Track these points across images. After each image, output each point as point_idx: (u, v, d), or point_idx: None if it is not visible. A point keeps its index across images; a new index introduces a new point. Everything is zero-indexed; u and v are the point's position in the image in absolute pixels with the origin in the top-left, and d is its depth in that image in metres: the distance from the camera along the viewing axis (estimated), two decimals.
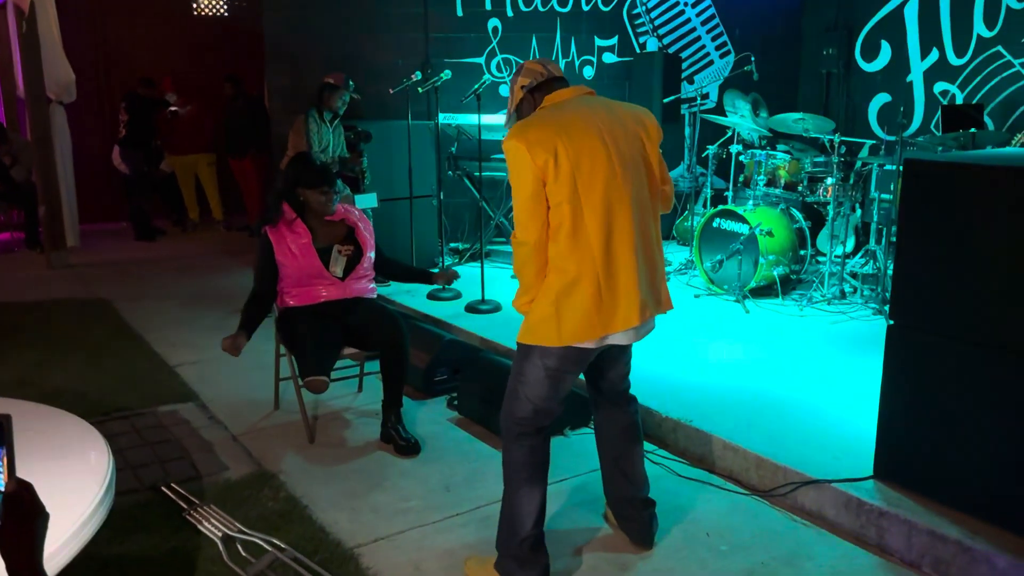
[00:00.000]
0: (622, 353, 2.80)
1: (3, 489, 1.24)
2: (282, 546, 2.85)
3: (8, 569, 1.22)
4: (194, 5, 9.59)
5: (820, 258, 5.89)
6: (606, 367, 2.80)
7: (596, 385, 2.88)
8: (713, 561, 2.85)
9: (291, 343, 3.70)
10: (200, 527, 3.00)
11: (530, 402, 2.60)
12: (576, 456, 3.63)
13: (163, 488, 3.28)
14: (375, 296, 3.94)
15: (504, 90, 7.30)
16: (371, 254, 3.85)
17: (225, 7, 9.69)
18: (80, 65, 7.54)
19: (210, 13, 9.61)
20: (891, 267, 4.42)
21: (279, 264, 3.68)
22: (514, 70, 2.73)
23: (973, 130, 5.13)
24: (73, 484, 2.01)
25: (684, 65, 7.59)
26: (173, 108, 8.51)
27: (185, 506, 3.15)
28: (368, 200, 5.68)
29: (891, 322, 2.97)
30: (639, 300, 2.53)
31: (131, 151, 8.38)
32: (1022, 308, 2.59)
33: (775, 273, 5.49)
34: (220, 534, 2.93)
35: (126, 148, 8.36)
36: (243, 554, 2.83)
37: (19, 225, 8.30)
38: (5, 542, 1.21)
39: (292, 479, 3.41)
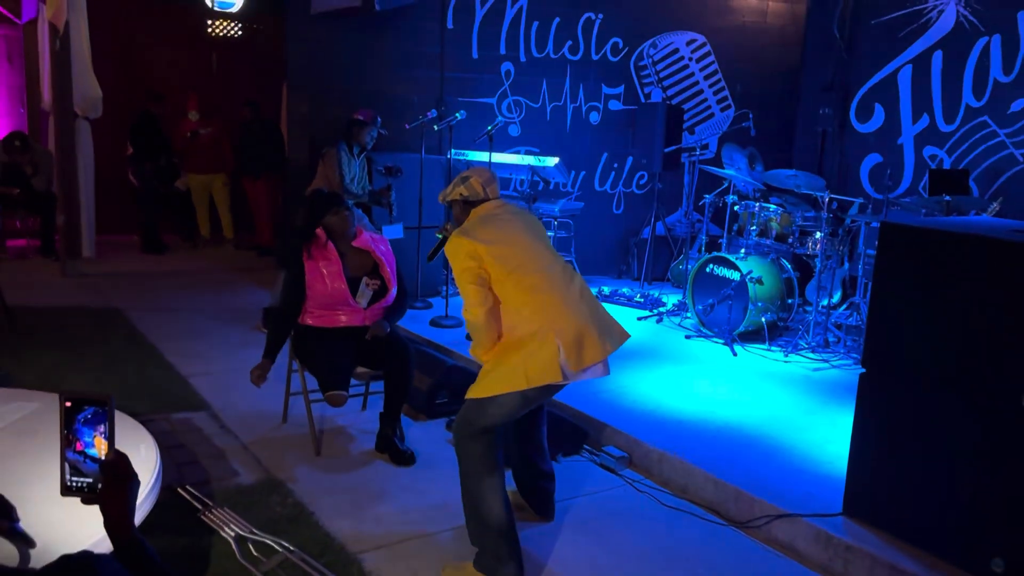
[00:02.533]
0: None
1: (104, 457, 1.48)
2: (291, 548, 3.07)
3: (106, 523, 1.46)
4: (209, 27, 9.92)
5: (807, 308, 6.15)
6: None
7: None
8: None
9: (309, 360, 3.94)
10: (214, 527, 3.21)
11: (496, 419, 2.97)
12: (567, 481, 3.84)
13: (178, 489, 3.49)
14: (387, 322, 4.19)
15: (514, 130, 7.61)
16: (394, 290, 4.11)
17: (240, 31, 10.02)
18: (105, 83, 7.83)
19: (223, 35, 9.94)
20: None
21: (308, 286, 3.94)
22: (460, 176, 3.29)
23: (947, 197, 5.42)
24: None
25: (686, 116, 7.92)
26: (197, 130, 8.79)
27: (199, 507, 3.36)
28: (395, 231, 5.99)
29: (863, 370, 3.22)
30: (598, 339, 2.98)
31: (139, 166, 8.64)
32: (980, 363, 2.84)
33: (763, 319, 5.75)
34: (233, 534, 3.14)
35: (134, 164, 8.64)
36: (255, 553, 3.04)
37: (35, 232, 8.53)
38: (105, 501, 1.46)
39: (299, 487, 3.63)
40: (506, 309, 3.01)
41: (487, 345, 3.05)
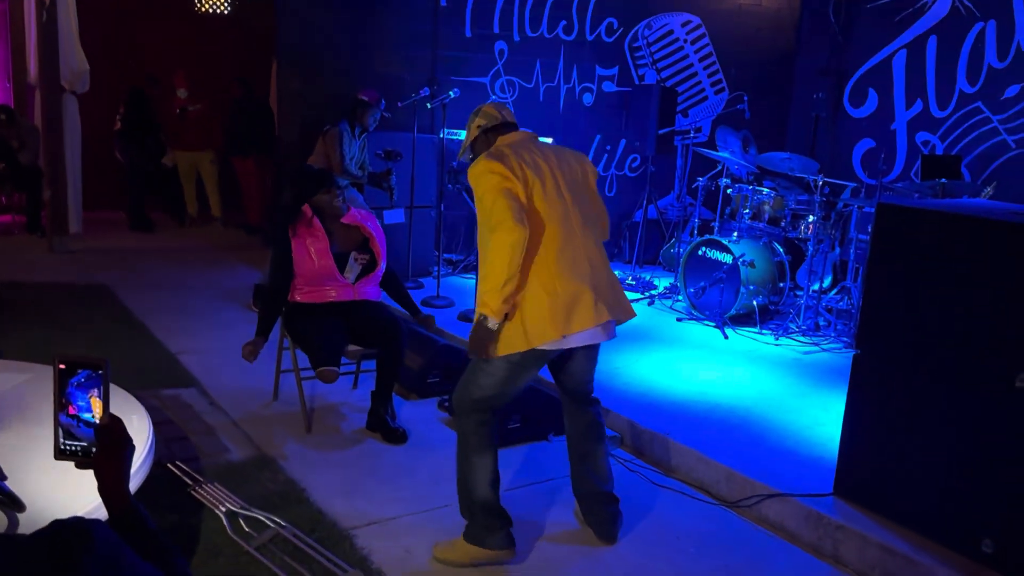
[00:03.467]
0: (585, 355, 3.06)
1: (99, 421, 1.46)
2: (282, 523, 3.06)
3: (100, 488, 1.44)
4: (197, 1, 9.80)
5: (798, 291, 6.16)
6: (571, 367, 3.07)
7: (563, 385, 3.16)
8: (681, 562, 3.08)
9: (299, 337, 3.91)
10: (204, 502, 3.19)
11: (487, 390, 2.90)
12: (558, 461, 3.84)
13: (169, 465, 3.47)
14: (378, 298, 4.16)
15: None
16: (383, 264, 4.08)
17: (228, 6, 9.90)
18: (93, 57, 7.72)
19: (211, 11, 9.82)
20: None
21: (296, 263, 3.90)
22: (472, 114, 3.08)
23: (943, 180, 5.44)
24: None
25: (680, 99, 7.89)
26: (186, 107, 8.69)
27: (190, 483, 3.34)
28: (396, 216, 5.96)
29: (857, 351, 3.23)
30: (594, 304, 2.83)
31: (127, 144, 8.56)
32: (973, 344, 2.85)
33: (754, 303, 5.76)
34: (224, 509, 3.13)
35: (122, 141, 8.54)
36: (246, 528, 3.02)
37: (21, 208, 8.44)
38: (99, 466, 1.43)
39: (290, 464, 3.62)
40: None
41: (511, 285, 2.71)
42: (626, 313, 3.03)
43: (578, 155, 3.08)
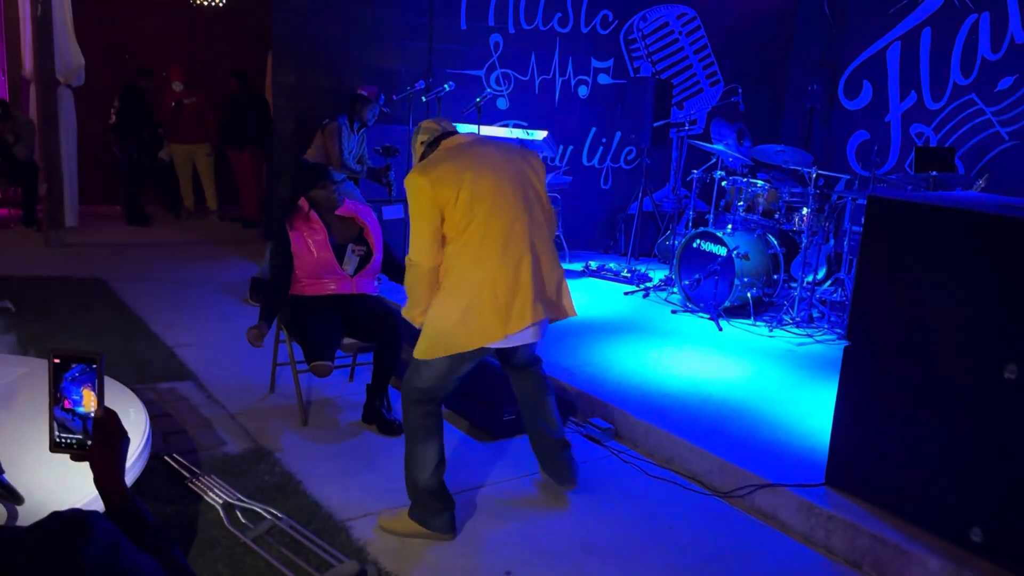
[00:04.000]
0: (524, 346, 3.21)
1: (94, 415, 1.48)
2: (279, 515, 3.08)
3: (96, 481, 1.46)
4: None
5: (792, 283, 6.19)
6: (514, 357, 3.29)
7: (508, 363, 3.35)
8: (673, 550, 3.11)
9: (295, 330, 3.93)
10: (202, 494, 3.22)
11: (429, 380, 3.05)
12: None
13: (166, 457, 3.49)
14: (377, 292, 4.19)
15: (502, 103, 7.57)
16: (379, 256, 4.11)
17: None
18: (88, 51, 7.71)
19: (206, 4, 9.79)
20: None
21: (295, 256, 3.93)
22: (416, 128, 3.19)
23: (935, 173, 5.46)
24: None
25: (675, 91, 7.90)
26: (181, 100, 8.68)
27: (187, 475, 3.36)
28: (394, 212, 5.98)
29: (846, 344, 3.25)
30: (532, 304, 2.96)
31: (123, 138, 8.55)
32: (963, 335, 2.88)
33: (748, 295, 5.79)
34: (221, 501, 3.15)
35: (117, 134, 8.54)
36: (243, 520, 3.05)
37: (17, 202, 8.44)
38: (95, 459, 1.46)
39: (287, 456, 3.64)
40: (449, 251, 2.94)
41: (423, 305, 3.00)
42: (562, 312, 3.17)
43: (524, 151, 3.18)
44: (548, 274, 3.08)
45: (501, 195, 2.95)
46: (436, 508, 3.07)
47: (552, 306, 3.10)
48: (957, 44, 6.81)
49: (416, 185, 2.89)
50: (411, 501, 3.10)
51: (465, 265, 2.92)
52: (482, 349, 2.99)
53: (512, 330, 2.95)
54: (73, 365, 1.49)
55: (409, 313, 3.07)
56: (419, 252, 2.94)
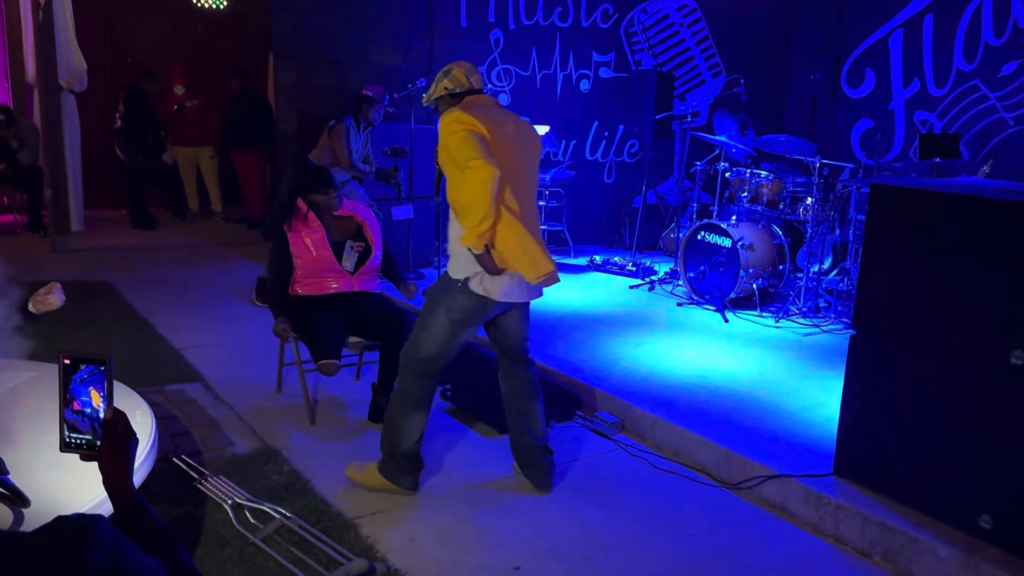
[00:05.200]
0: (519, 313, 3.33)
1: (103, 416, 1.48)
2: (288, 514, 3.09)
3: (105, 482, 1.46)
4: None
5: (798, 274, 6.17)
6: (508, 326, 3.33)
7: (500, 345, 3.40)
8: (682, 543, 3.11)
9: (301, 330, 3.94)
10: (210, 495, 3.23)
11: (430, 347, 3.18)
12: (560, 446, 3.87)
13: (174, 459, 3.50)
14: (380, 290, 4.19)
15: (504, 99, 7.56)
16: (378, 253, 4.11)
17: (226, 1, 9.88)
18: (90, 55, 7.73)
19: (207, 6, 9.81)
20: None
21: (294, 256, 3.93)
22: (442, 71, 3.24)
23: (938, 160, 5.44)
24: None
25: (677, 83, 7.87)
26: (183, 103, 8.69)
27: (195, 476, 3.37)
28: (404, 212, 5.99)
29: (854, 332, 3.24)
30: (543, 260, 3.10)
31: (127, 141, 8.57)
32: (969, 322, 2.87)
33: (754, 286, 5.77)
34: (230, 502, 3.16)
35: (122, 138, 8.56)
36: (252, 520, 3.06)
37: (22, 208, 8.46)
38: (104, 460, 1.46)
39: (295, 455, 3.65)
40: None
41: (487, 220, 2.90)
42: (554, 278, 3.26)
43: (529, 125, 3.29)
44: (542, 240, 3.25)
45: (519, 160, 3.09)
46: (408, 468, 3.30)
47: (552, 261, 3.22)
48: (960, 30, 6.77)
49: (459, 117, 2.95)
50: (384, 458, 3.29)
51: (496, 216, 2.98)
52: (481, 313, 3.13)
53: (543, 271, 3.07)
54: (82, 366, 1.49)
55: (480, 227, 2.91)
56: (476, 154, 2.86)
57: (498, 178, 2.88)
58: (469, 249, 3.00)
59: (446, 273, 3.23)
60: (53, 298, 2.95)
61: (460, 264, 3.12)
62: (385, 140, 6.49)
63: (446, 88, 3.18)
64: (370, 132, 6.21)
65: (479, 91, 3.20)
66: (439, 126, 3.05)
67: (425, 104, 3.35)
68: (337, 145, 5.97)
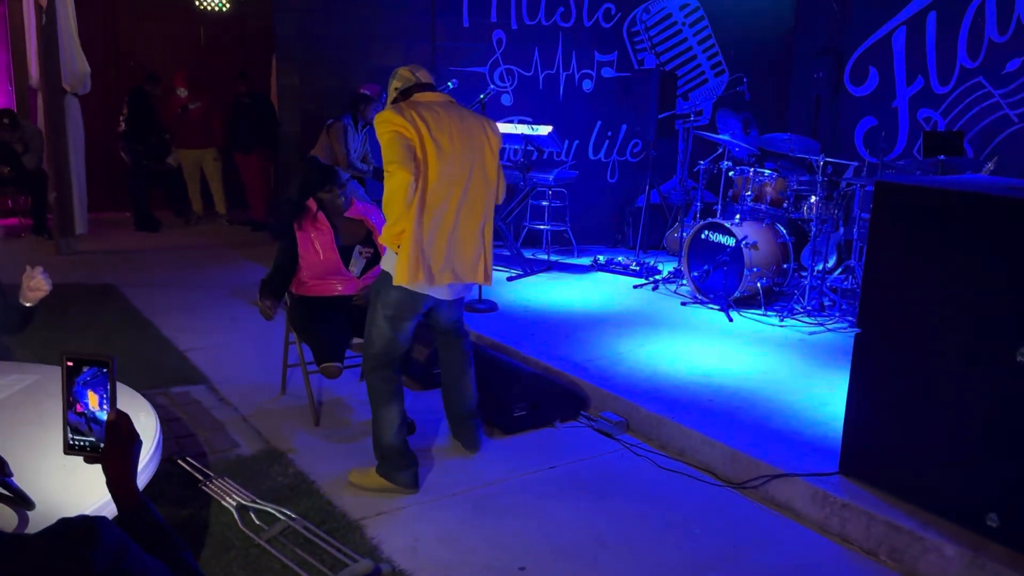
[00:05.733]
0: (448, 305, 3.53)
1: (106, 418, 1.48)
2: (293, 516, 3.09)
3: (109, 484, 1.46)
4: (197, 2, 9.80)
5: (802, 272, 6.16)
6: (438, 314, 3.55)
7: (435, 326, 3.64)
8: (687, 542, 3.10)
9: (305, 331, 3.94)
10: (215, 497, 3.23)
11: (379, 341, 3.35)
12: (565, 446, 3.88)
13: (179, 461, 3.51)
14: None
15: (506, 99, 7.57)
16: None
17: (227, 4, 9.90)
18: (93, 59, 7.75)
19: (210, 8, 9.82)
20: None
21: (300, 257, 3.94)
22: (391, 76, 3.39)
23: (942, 157, 5.42)
24: None
25: (680, 83, 7.87)
26: (186, 105, 8.71)
27: (200, 478, 3.38)
28: None
29: (859, 330, 3.23)
30: (439, 268, 3.25)
31: (131, 144, 8.59)
32: (975, 319, 2.85)
33: (758, 285, 5.76)
34: (235, 503, 3.16)
35: (126, 141, 8.58)
36: (256, 522, 3.06)
37: (27, 211, 8.48)
38: (107, 461, 1.46)
39: (300, 457, 3.65)
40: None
41: (402, 220, 3.10)
42: (467, 276, 3.39)
43: (484, 121, 3.38)
44: (472, 241, 3.35)
45: (452, 158, 3.20)
46: (401, 464, 3.36)
47: (465, 271, 3.36)
48: (963, 27, 6.75)
49: (387, 117, 3.11)
50: (378, 460, 3.39)
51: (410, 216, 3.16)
52: (412, 307, 3.29)
53: (436, 284, 3.26)
54: (85, 368, 1.49)
55: (391, 231, 3.16)
56: (399, 164, 3.04)
57: (412, 184, 3.07)
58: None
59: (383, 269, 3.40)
60: (39, 282, 2.92)
61: (389, 259, 3.29)
62: None
63: (396, 88, 3.33)
64: (368, 131, 6.22)
65: (427, 85, 3.31)
66: (375, 118, 3.20)
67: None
68: (335, 144, 5.98)
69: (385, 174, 3.11)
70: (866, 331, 3.21)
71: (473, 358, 3.75)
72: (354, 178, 6.00)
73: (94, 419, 1.50)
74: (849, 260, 6.05)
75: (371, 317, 3.38)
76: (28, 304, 2.99)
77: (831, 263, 6.16)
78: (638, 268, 6.88)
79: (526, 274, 6.65)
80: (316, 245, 3.94)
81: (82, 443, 1.51)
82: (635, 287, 6.44)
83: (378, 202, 5.75)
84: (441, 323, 3.62)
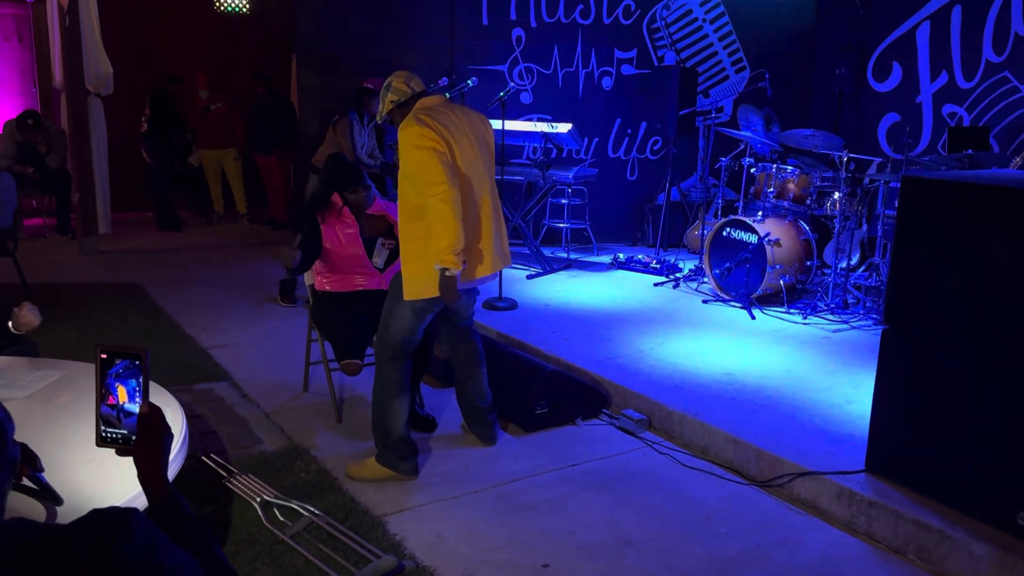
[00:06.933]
0: (468, 295, 3.57)
1: (138, 411, 1.49)
2: (316, 512, 3.10)
3: (140, 476, 1.47)
4: (217, 3, 9.86)
5: (825, 270, 6.11)
6: (459, 306, 3.53)
7: (450, 321, 3.66)
8: (711, 541, 3.08)
9: (326, 328, 3.95)
10: (239, 493, 3.25)
11: (399, 334, 3.37)
12: (586, 444, 3.87)
13: (203, 457, 3.53)
14: None
15: (525, 97, 7.55)
16: None
17: (247, 5, 9.95)
18: (114, 59, 7.81)
19: (230, 9, 9.88)
20: None
21: (325, 250, 3.96)
22: (383, 88, 3.43)
23: (970, 151, 5.35)
24: None
25: (700, 79, 7.82)
26: (208, 106, 8.76)
27: (224, 474, 3.39)
28: None
29: (885, 326, 3.20)
30: (492, 257, 3.41)
31: (153, 144, 8.66)
32: (1002, 315, 2.81)
33: (781, 282, 5.72)
34: (259, 499, 3.18)
35: (148, 141, 8.65)
36: (280, 518, 3.07)
37: (51, 211, 8.57)
38: (139, 454, 1.47)
39: (322, 453, 3.66)
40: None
41: (458, 231, 3.08)
42: (507, 262, 3.60)
43: (480, 115, 3.49)
44: (500, 226, 3.51)
45: (473, 155, 3.29)
46: (405, 454, 3.43)
47: (504, 258, 3.54)
48: (989, 21, 6.66)
49: (420, 132, 3.11)
50: (380, 449, 3.43)
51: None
52: (439, 300, 3.27)
53: (474, 278, 3.37)
54: (118, 361, 1.49)
55: (450, 251, 3.09)
56: (436, 176, 3.07)
57: (459, 197, 3.11)
58: (443, 269, 3.14)
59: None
60: (28, 318, 3.15)
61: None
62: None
63: (392, 101, 3.35)
64: (375, 126, 6.21)
65: (423, 92, 3.37)
66: (399, 137, 3.19)
67: (380, 122, 3.57)
68: (341, 139, 5.99)
69: (432, 196, 3.08)
70: (892, 327, 3.17)
71: (484, 355, 3.78)
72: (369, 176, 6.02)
73: (125, 412, 1.50)
74: (873, 257, 5.99)
75: (392, 308, 3.38)
76: (15, 331, 3.20)
77: (855, 260, 6.10)
78: (658, 266, 6.84)
79: (546, 272, 6.63)
80: (341, 238, 3.97)
81: (114, 435, 1.51)
82: (656, 285, 6.41)
83: (389, 198, 5.78)
84: (460, 316, 3.65)
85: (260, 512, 3.10)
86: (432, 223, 3.11)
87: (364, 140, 6.12)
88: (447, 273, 3.14)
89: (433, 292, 3.20)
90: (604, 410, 4.20)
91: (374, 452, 3.49)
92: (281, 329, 5.40)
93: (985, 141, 6.26)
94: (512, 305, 5.61)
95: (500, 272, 3.55)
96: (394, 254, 4.09)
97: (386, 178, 6.32)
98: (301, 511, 3.10)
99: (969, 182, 2.97)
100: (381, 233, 4.10)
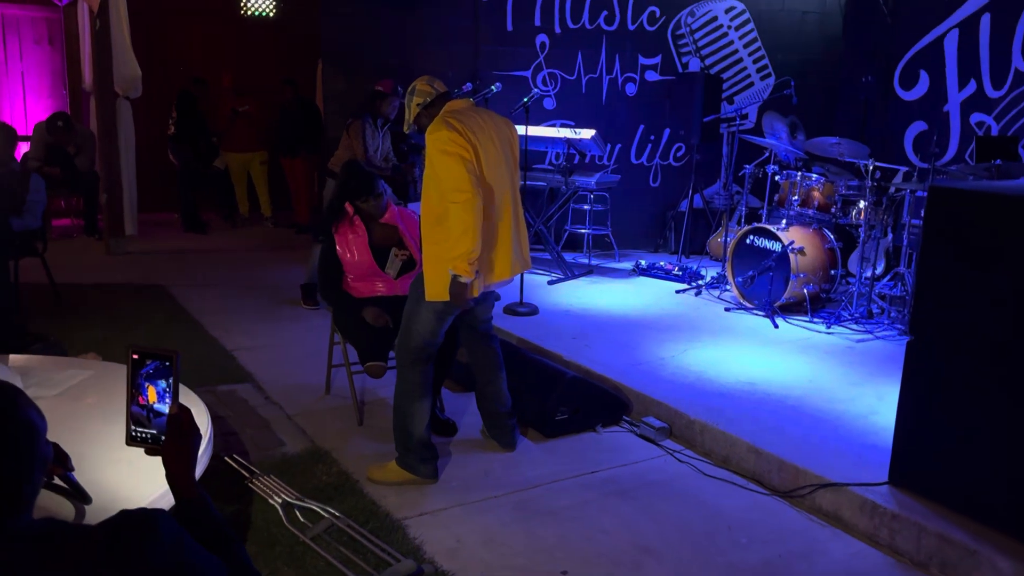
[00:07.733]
0: (486, 298, 3.59)
1: (168, 411, 1.51)
2: (337, 514, 3.12)
3: (168, 476, 1.49)
4: (243, 7, 9.96)
5: (850, 279, 6.06)
6: (478, 310, 3.61)
7: (468, 324, 3.68)
8: (732, 551, 3.07)
9: (349, 331, 3.98)
10: (261, 494, 3.27)
11: (421, 337, 3.39)
12: (606, 451, 3.86)
13: (226, 458, 3.56)
14: None
15: (549, 103, 7.56)
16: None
17: (273, 9, 10.04)
18: (142, 63, 7.91)
19: (256, 14, 9.98)
20: None
21: (340, 257, 3.99)
22: (407, 93, 3.46)
23: (999, 161, 5.29)
24: None
25: (725, 86, 7.80)
26: (237, 108, 8.85)
27: (246, 475, 3.42)
28: (416, 209, 6.00)
29: (909, 339, 3.17)
30: (511, 262, 3.43)
31: (180, 146, 8.76)
32: None
33: (805, 291, 5.68)
34: (280, 501, 3.20)
35: (175, 143, 8.75)
36: (301, 519, 3.09)
37: (79, 212, 8.69)
38: (167, 453, 1.49)
39: (344, 456, 3.68)
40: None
41: (476, 238, 3.11)
42: (527, 266, 3.64)
43: (506, 120, 3.50)
44: (523, 232, 3.54)
45: (497, 160, 3.32)
46: (426, 457, 3.45)
47: (523, 263, 3.56)
48: (1019, 29, 6.58)
49: (449, 137, 3.12)
50: (401, 452, 3.45)
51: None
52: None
53: (491, 283, 3.39)
54: (149, 362, 1.52)
55: (467, 256, 3.12)
56: (461, 183, 3.09)
57: (481, 204, 3.13)
58: (456, 275, 3.17)
59: None
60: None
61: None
62: (410, 141, 6.51)
63: (419, 104, 3.37)
64: (389, 128, 6.22)
65: (447, 94, 3.40)
66: (427, 141, 3.19)
67: (407, 131, 3.55)
68: (355, 142, 6.00)
69: (454, 203, 3.11)
70: (918, 338, 3.14)
71: (503, 362, 3.79)
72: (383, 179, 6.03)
73: (155, 412, 1.52)
74: (898, 267, 5.93)
75: (413, 311, 3.40)
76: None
77: (880, 269, 6.04)
78: (681, 273, 6.82)
79: (567, 278, 6.63)
80: (352, 247, 4.00)
81: (143, 435, 1.54)
82: (678, 292, 6.38)
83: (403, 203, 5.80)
84: (479, 319, 3.66)
85: (281, 513, 3.12)
86: (452, 229, 3.14)
87: (378, 143, 6.13)
88: (460, 279, 3.17)
89: (445, 296, 3.25)
90: (625, 417, 4.19)
91: (395, 455, 3.51)
92: (303, 332, 5.44)
93: (1014, 151, 6.19)
94: (533, 310, 5.61)
95: (521, 276, 3.51)
96: (407, 265, 4.11)
97: (408, 183, 6.33)
98: (322, 513, 3.12)
99: (998, 192, 2.94)
100: (393, 243, 4.12)
